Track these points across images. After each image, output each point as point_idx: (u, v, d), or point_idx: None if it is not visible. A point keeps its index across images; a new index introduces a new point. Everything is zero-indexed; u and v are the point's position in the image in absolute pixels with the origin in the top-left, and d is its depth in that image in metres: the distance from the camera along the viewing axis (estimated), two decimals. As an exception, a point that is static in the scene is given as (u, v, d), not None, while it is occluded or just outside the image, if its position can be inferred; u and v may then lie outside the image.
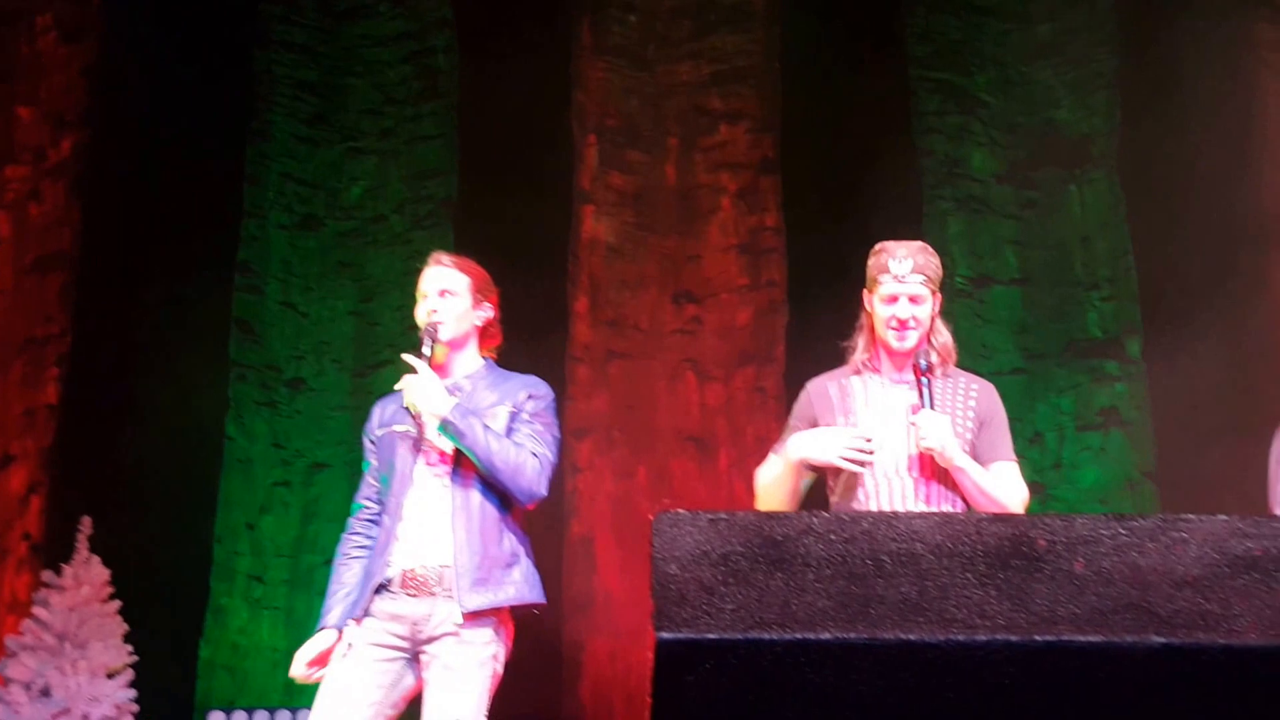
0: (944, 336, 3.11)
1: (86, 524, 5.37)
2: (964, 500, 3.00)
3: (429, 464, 3.11)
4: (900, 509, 2.96)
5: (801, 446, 3.00)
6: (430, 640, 3.02)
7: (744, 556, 1.27)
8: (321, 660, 3.07)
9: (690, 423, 5.92)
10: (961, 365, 3.18)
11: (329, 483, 5.65)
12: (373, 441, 3.23)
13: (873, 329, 3.09)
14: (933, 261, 3.07)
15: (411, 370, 3.09)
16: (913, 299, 3.01)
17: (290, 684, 3.21)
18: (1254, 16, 5.81)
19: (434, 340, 3.13)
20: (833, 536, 1.29)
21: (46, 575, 5.35)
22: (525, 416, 3.14)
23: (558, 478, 5.80)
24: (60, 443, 5.68)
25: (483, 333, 3.26)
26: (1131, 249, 6.01)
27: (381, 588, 3.06)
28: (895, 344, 3.03)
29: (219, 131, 6.09)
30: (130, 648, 5.30)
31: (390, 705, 3.05)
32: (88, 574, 5.33)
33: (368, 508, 3.21)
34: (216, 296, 5.94)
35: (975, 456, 3.01)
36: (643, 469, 5.84)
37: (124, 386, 5.80)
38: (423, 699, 3.04)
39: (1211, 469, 5.18)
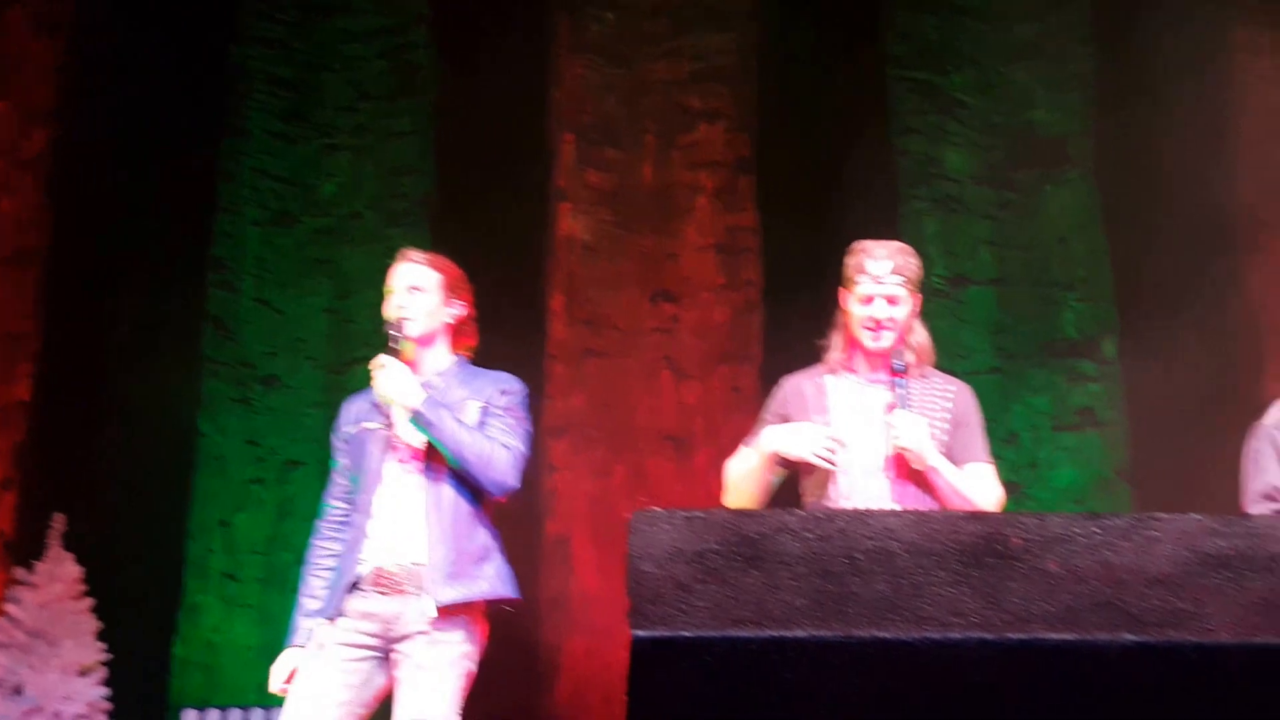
0: (921, 337, 3.11)
1: (59, 521, 5.34)
2: (938, 501, 3.01)
3: (400, 461, 3.10)
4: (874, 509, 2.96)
5: (775, 440, 3.00)
6: (402, 639, 3.01)
7: (720, 554, 1.27)
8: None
9: (667, 421, 5.92)
10: (938, 365, 3.18)
11: (303, 480, 5.62)
12: (343, 440, 3.22)
13: (848, 328, 3.09)
14: (912, 263, 3.08)
15: (382, 364, 3.09)
16: (890, 300, 3.02)
17: (265, 682, 3.20)
18: (1229, 20, 5.85)
19: (400, 336, 3.12)
20: (808, 534, 1.29)
21: (19, 572, 5.31)
22: (497, 411, 3.14)
23: (534, 476, 5.80)
24: (33, 439, 5.64)
25: (455, 331, 3.25)
26: (1108, 250, 6.05)
27: (353, 586, 3.05)
28: (871, 344, 3.04)
29: (193, 127, 6.05)
30: (103, 645, 5.27)
31: (361, 705, 3.04)
32: (60, 571, 5.29)
33: (337, 509, 3.20)
34: (190, 293, 5.90)
35: (950, 457, 3.02)
36: (620, 468, 5.84)
37: (97, 383, 5.76)
38: (393, 698, 3.02)
39: (1186, 469, 5.21)
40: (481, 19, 6.23)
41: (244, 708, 5.19)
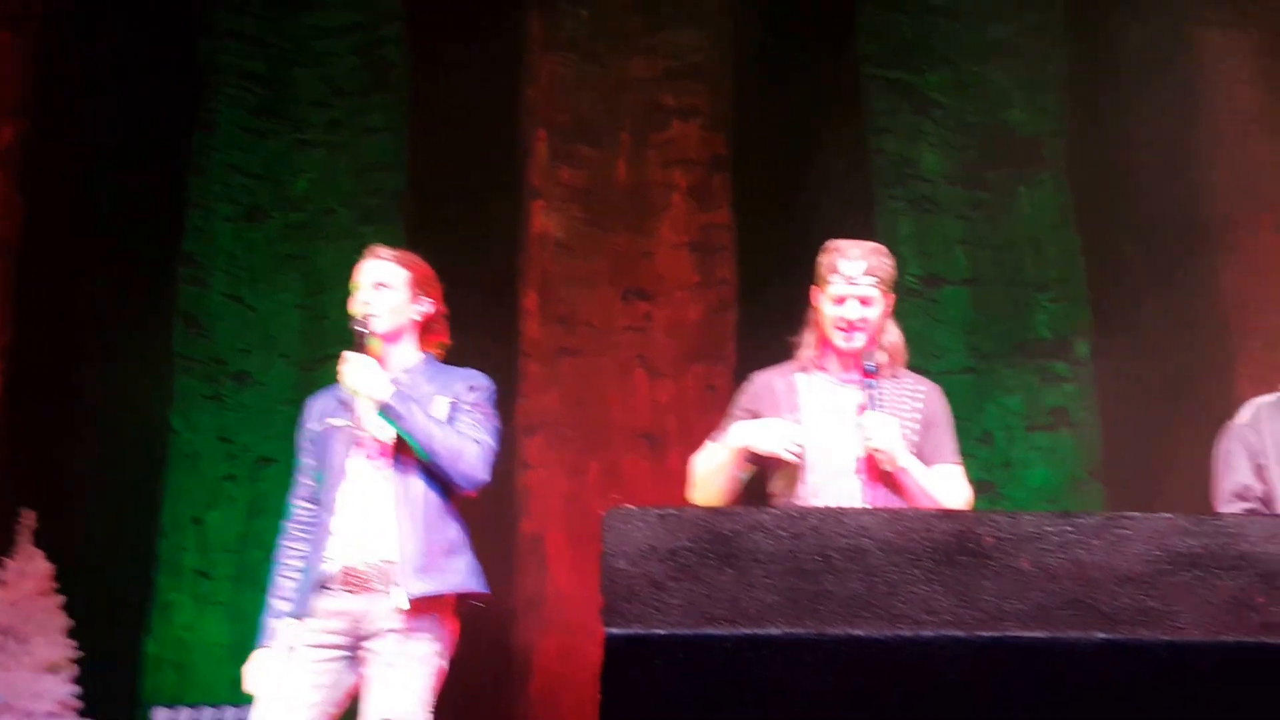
0: (893, 337, 3.12)
1: (29, 517, 5.30)
2: (907, 502, 3.02)
3: (368, 456, 3.09)
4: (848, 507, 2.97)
5: (744, 435, 3.00)
6: (371, 636, 3.00)
7: (693, 552, 1.27)
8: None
9: (642, 420, 5.92)
10: (912, 364, 3.19)
11: (276, 477, 5.58)
12: (309, 438, 3.20)
13: (820, 326, 3.09)
14: (886, 263, 3.08)
15: (349, 360, 3.08)
16: (863, 301, 3.02)
17: (237, 680, 3.18)
18: (1198, 22, 5.90)
19: (365, 332, 3.11)
20: (782, 532, 1.29)
21: (-13, 570, 5.27)
22: (465, 406, 3.14)
23: (508, 475, 5.78)
24: (2, 435, 5.59)
25: (423, 328, 3.24)
26: (1081, 250, 6.08)
27: (321, 585, 3.03)
28: (843, 344, 3.04)
29: (165, 122, 6.00)
30: (74, 643, 5.24)
31: (332, 705, 3.03)
32: (30, 568, 5.25)
33: (303, 509, 3.18)
34: (161, 288, 5.86)
35: (920, 458, 3.03)
36: (594, 466, 5.83)
37: (67, 379, 5.71)
38: (362, 696, 3.01)
39: (1158, 469, 5.26)
40: (455, 15, 6.21)
41: (216, 706, 5.17)
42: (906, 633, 1.26)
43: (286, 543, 3.17)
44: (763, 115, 6.18)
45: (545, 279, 6.04)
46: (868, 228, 5.91)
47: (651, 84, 6.27)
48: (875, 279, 3.02)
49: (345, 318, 3.21)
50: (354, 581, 3.00)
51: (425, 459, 3.05)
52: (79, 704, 5.16)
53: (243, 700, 3.24)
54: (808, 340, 3.12)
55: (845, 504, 2.94)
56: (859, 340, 3.02)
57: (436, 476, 3.06)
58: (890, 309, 3.09)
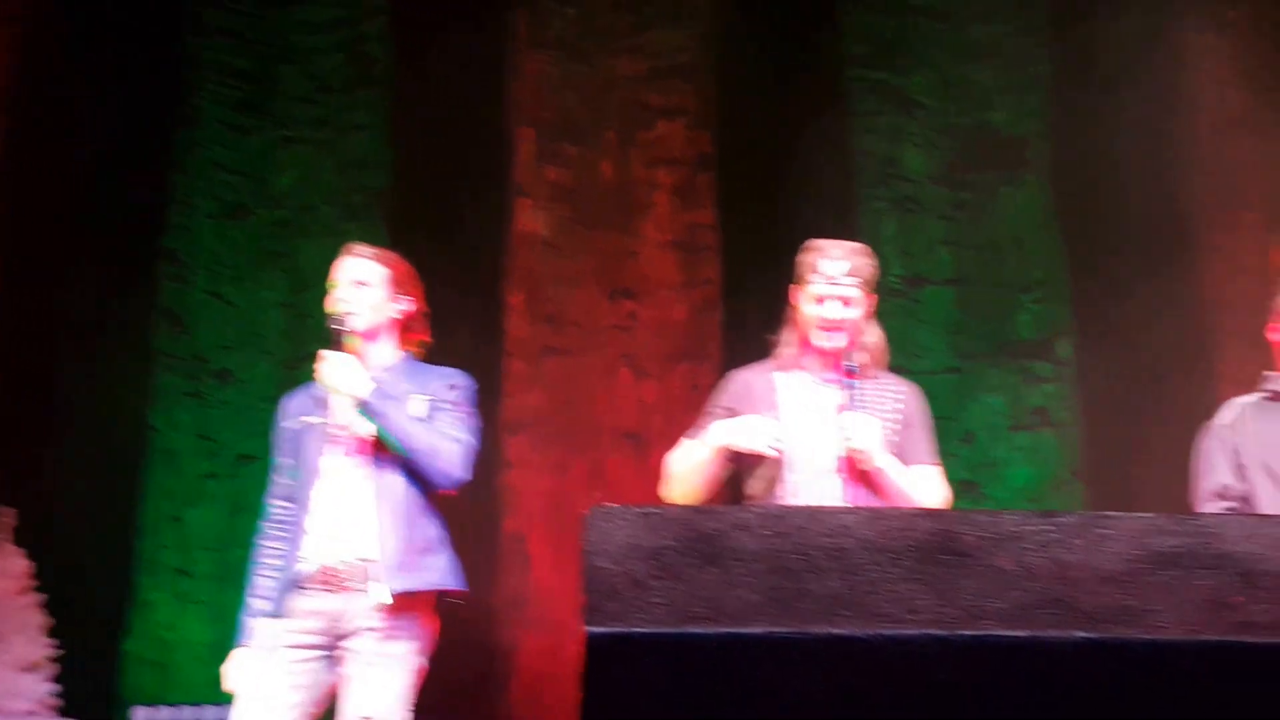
0: (874, 337, 3.13)
1: (8, 515, 5.27)
2: (885, 502, 3.03)
3: (345, 454, 3.09)
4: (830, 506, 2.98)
5: (724, 434, 3.00)
6: (349, 635, 3.00)
7: (676, 551, 1.27)
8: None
9: (626, 419, 5.91)
10: (895, 364, 3.20)
11: (257, 475, 5.54)
12: (285, 437, 3.20)
13: (800, 325, 3.10)
14: (867, 264, 3.09)
15: (327, 357, 3.08)
16: (844, 301, 3.03)
17: (217, 679, 3.17)
18: (1181, 27, 5.94)
19: (343, 330, 3.12)
20: (764, 531, 1.29)
21: (-35, 568, 5.24)
22: (444, 405, 3.14)
23: (491, 474, 5.77)
24: (-19, 433, 5.55)
25: (403, 326, 3.24)
26: (1064, 251, 6.10)
27: (296, 584, 3.03)
28: (823, 344, 3.05)
29: (147, 118, 5.97)
30: (52, 642, 5.21)
31: (312, 704, 3.03)
32: (9, 566, 5.22)
33: (280, 508, 3.18)
34: (142, 286, 5.83)
35: (899, 458, 3.04)
36: (578, 465, 5.83)
37: (47, 376, 5.68)
38: (341, 695, 3.01)
39: (1138, 468, 5.28)
40: (441, 12, 6.20)
41: (196, 705, 5.15)
42: (888, 631, 1.26)
43: (264, 542, 3.16)
44: (748, 115, 6.18)
45: (530, 277, 6.03)
46: (852, 228, 5.92)
47: (637, 83, 6.26)
48: (857, 279, 3.03)
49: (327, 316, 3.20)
50: (331, 580, 3.00)
51: (404, 456, 3.04)
52: (58, 703, 5.14)
53: (223, 699, 3.23)
54: (787, 339, 3.12)
55: (826, 503, 2.95)
56: (839, 340, 3.03)
57: (415, 474, 3.06)
58: (871, 309, 3.10)
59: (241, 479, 5.66)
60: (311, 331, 5.89)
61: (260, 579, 3.11)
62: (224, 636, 3.22)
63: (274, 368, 5.83)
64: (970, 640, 1.27)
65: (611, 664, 1.24)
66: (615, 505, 1.28)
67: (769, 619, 1.25)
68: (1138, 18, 5.75)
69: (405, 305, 3.23)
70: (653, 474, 5.87)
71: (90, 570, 5.46)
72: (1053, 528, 1.33)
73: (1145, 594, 1.31)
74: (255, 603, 3.09)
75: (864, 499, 2.96)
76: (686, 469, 3.06)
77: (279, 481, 3.19)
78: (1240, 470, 3.33)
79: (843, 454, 2.96)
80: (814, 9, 6.38)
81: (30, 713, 5.05)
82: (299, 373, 5.61)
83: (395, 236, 5.57)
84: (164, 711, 5.19)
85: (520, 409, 5.85)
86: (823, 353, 3.05)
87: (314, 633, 2.99)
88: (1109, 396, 5.73)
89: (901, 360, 5.65)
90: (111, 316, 5.70)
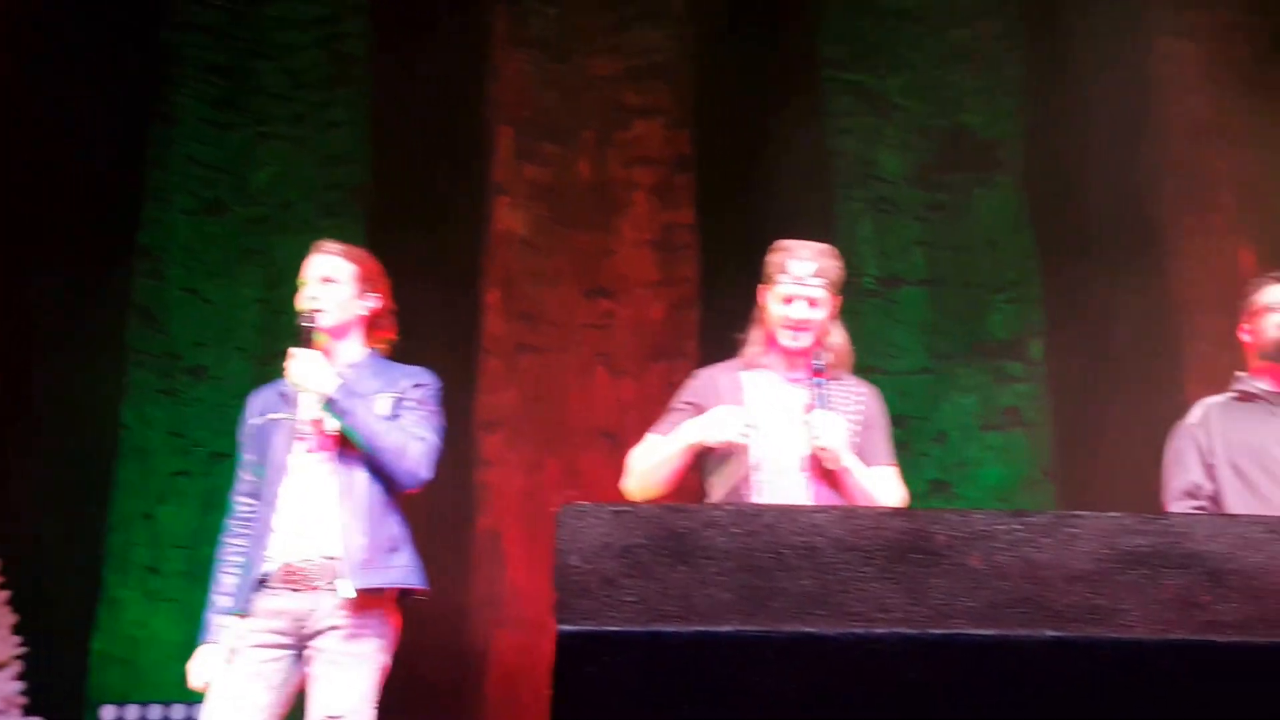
0: (838, 339, 3.15)
1: (-24, 512, 5.23)
2: (848, 501, 3.05)
3: (310, 450, 3.08)
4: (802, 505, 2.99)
5: (695, 430, 3.01)
6: (316, 634, 2.99)
7: (647, 549, 1.27)
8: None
9: (601, 417, 5.91)
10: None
11: (229, 473, 5.51)
12: (249, 433, 3.19)
13: (767, 325, 3.12)
14: (834, 265, 3.12)
15: (295, 354, 3.07)
16: (811, 302, 3.05)
17: (186, 677, 3.16)
18: (1152, 30, 5.99)
19: (311, 327, 3.11)
20: (735, 530, 1.29)
21: (-67, 565, 5.19)
22: (410, 404, 3.13)
23: (466, 471, 5.75)
24: (-50, 428, 5.51)
25: (369, 323, 3.24)
26: (1036, 252, 6.14)
27: (262, 583, 3.02)
28: (790, 343, 3.07)
29: (123, 113, 5.93)
30: (20, 639, 5.17)
31: (281, 704, 3.02)
32: (-23, 564, 5.18)
33: (245, 505, 3.17)
34: (117, 281, 5.79)
35: (859, 458, 3.07)
36: (553, 463, 5.82)
37: (19, 371, 5.63)
38: (307, 692, 3.00)
39: (1108, 468, 5.32)
40: (420, 10, 6.18)
41: (165, 703, 5.12)
42: (859, 630, 1.26)
43: (228, 539, 3.15)
44: (726, 116, 6.19)
45: (508, 275, 6.02)
46: (829, 228, 5.94)
47: (616, 83, 6.27)
48: (824, 280, 3.06)
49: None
50: (295, 578, 2.99)
51: (369, 453, 3.04)
52: (24, 700, 5.09)
53: (192, 698, 3.22)
54: (754, 338, 3.14)
55: (793, 502, 2.96)
56: (805, 340, 3.06)
57: (379, 472, 3.05)
58: (836, 311, 3.12)
59: (214, 476, 5.62)
60: (287, 329, 5.84)
61: (224, 576, 3.10)
62: (194, 635, 3.20)
63: (248, 365, 5.80)
64: (940, 639, 1.27)
65: (583, 662, 1.24)
66: (587, 503, 1.28)
67: (740, 617, 1.26)
68: (1110, 24, 5.79)
69: (373, 302, 3.22)
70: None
71: (60, 567, 5.42)
72: (1022, 527, 1.34)
73: (1114, 593, 1.31)
74: (219, 600, 3.08)
75: (828, 498, 2.97)
76: (650, 465, 3.07)
77: (244, 478, 3.18)
78: (1210, 470, 3.36)
79: (809, 453, 2.98)
80: (792, 11, 6.40)
81: (-1, 711, 5.01)
82: (273, 370, 5.58)
83: (373, 233, 5.55)
84: (132, 710, 5.16)
85: (496, 407, 5.84)
86: (788, 352, 3.07)
87: (282, 632, 2.98)
88: (1080, 396, 5.78)
89: (877, 360, 5.70)
90: (86, 312, 5.66)
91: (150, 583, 5.51)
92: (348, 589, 2.95)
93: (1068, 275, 5.89)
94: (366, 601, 2.97)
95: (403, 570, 3.05)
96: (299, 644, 2.99)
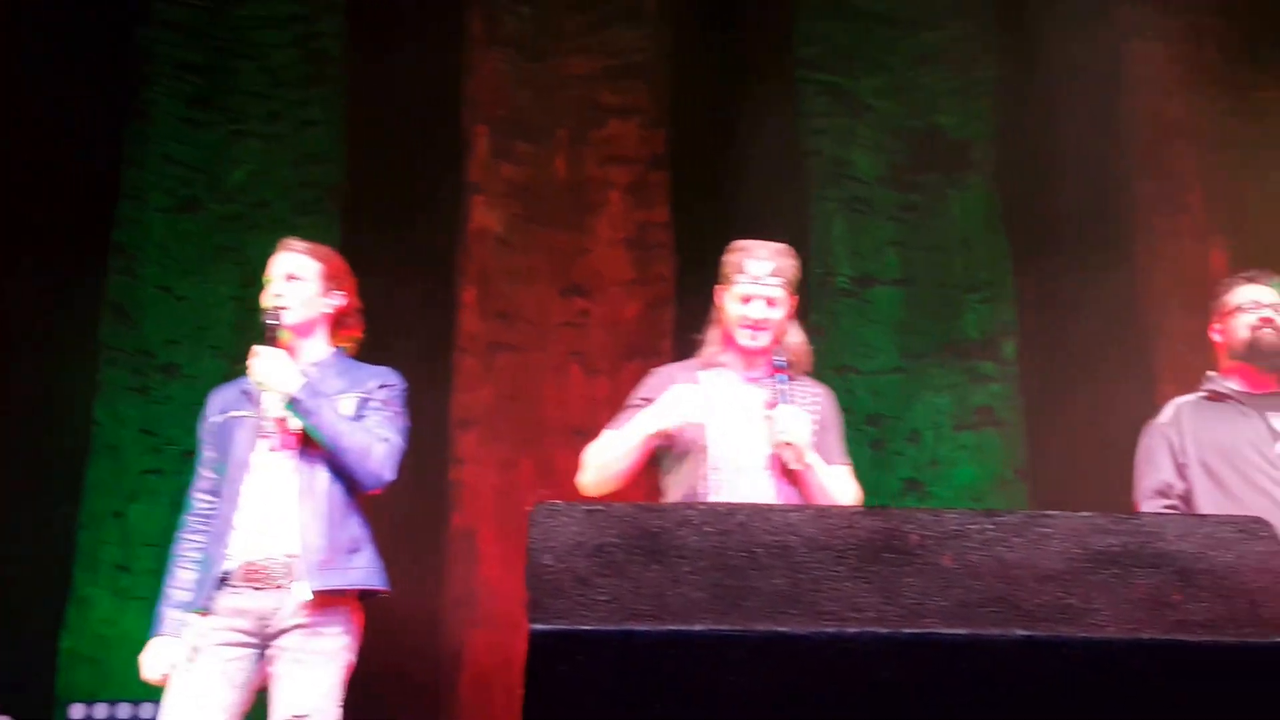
0: (796, 339, 3.16)
1: (-54, 510, 5.18)
2: (808, 499, 3.06)
3: (272, 449, 3.07)
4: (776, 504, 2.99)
5: (651, 419, 3.01)
6: (280, 633, 2.97)
7: (620, 548, 1.27)
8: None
9: (576, 416, 5.91)
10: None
11: (202, 472, 5.49)
12: (209, 430, 3.18)
13: (724, 325, 3.13)
14: (792, 264, 3.13)
15: (259, 352, 3.06)
16: (769, 301, 3.06)
17: (153, 675, 3.14)
18: (1123, 31, 6.04)
19: (276, 324, 3.10)
20: (708, 529, 1.29)
21: (-99, 564, 5.14)
22: (375, 404, 3.12)
23: (440, 469, 5.74)
24: (-80, 426, 5.45)
25: (335, 321, 3.23)
26: (1009, 253, 6.18)
27: (221, 581, 3.00)
28: (748, 343, 3.08)
29: (98, 111, 5.89)
30: (-12, 638, 5.13)
31: (244, 703, 3.00)
32: (-55, 563, 5.13)
33: (203, 502, 3.15)
34: (91, 279, 5.75)
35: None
36: (527, 461, 5.81)
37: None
38: (270, 692, 2.99)
39: (1080, 468, 5.35)
40: (396, 9, 6.16)
41: (134, 701, 5.09)
42: (831, 629, 1.26)
43: (185, 535, 3.14)
44: (700, 115, 6.20)
45: (483, 273, 6.01)
46: (804, 228, 5.96)
47: (591, 82, 6.26)
48: (781, 280, 3.07)
49: (280, 310, 3.18)
50: (257, 577, 2.97)
51: (331, 453, 3.03)
52: (-5, 700, 5.05)
53: (160, 696, 3.20)
54: (711, 338, 3.16)
55: (758, 500, 2.97)
56: (763, 339, 3.07)
57: (341, 472, 3.04)
58: (793, 310, 3.13)
59: (185, 475, 5.55)
60: (261, 327, 5.83)
61: (180, 571, 3.09)
62: (157, 631, 3.18)
63: (221, 363, 5.76)
64: (913, 638, 1.28)
65: (555, 661, 1.23)
66: (560, 502, 1.28)
67: (713, 616, 1.26)
68: (1081, 25, 5.83)
69: (338, 300, 3.21)
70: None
71: (29, 565, 5.37)
72: (994, 526, 1.34)
73: (1085, 592, 1.32)
74: (174, 594, 3.07)
75: (789, 496, 2.98)
76: (608, 460, 3.07)
77: (203, 475, 3.17)
78: (1181, 469, 3.39)
79: (770, 451, 2.98)
80: (767, 12, 6.41)
81: (-33, 711, 4.96)
82: (245, 368, 5.57)
83: (348, 232, 5.53)
84: (101, 708, 5.12)
85: (471, 405, 5.83)
86: (747, 352, 3.08)
87: (245, 631, 2.97)
88: (1052, 396, 5.81)
89: (851, 359, 5.72)
90: (59, 309, 5.62)
91: (120, 581, 5.47)
92: (304, 591, 2.93)
93: (1040, 275, 5.93)
94: (327, 601, 2.96)
95: (362, 571, 3.04)
96: (262, 643, 2.98)
